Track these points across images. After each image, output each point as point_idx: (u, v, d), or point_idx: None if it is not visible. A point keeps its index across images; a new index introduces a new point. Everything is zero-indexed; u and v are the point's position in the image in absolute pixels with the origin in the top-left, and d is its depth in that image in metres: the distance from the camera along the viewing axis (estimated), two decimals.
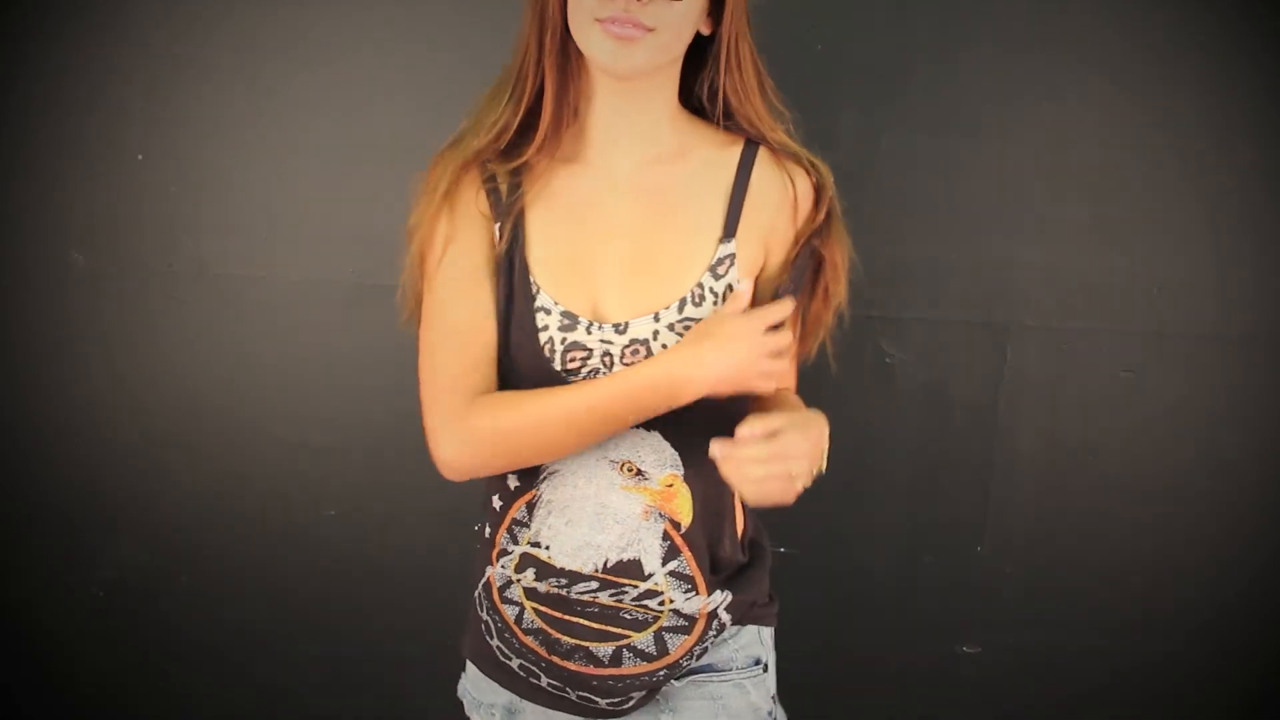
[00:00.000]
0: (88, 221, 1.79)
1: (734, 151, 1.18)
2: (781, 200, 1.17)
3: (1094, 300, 1.72)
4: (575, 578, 1.17)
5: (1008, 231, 1.71)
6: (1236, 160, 1.68)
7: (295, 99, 1.74)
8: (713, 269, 1.14)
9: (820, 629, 1.83)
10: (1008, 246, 1.71)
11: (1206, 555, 1.79)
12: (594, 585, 1.17)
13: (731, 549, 1.23)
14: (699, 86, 1.18)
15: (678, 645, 1.19)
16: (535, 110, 1.13)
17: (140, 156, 1.76)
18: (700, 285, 1.14)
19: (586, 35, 1.07)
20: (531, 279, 1.14)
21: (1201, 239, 1.70)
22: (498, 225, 1.15)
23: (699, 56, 1.16)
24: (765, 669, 1.27)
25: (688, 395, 1.08)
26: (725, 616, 1.21)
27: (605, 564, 1.16)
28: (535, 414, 1.10)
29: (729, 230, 1.15)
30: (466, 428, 1.12)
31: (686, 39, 1.11)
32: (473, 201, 1.15)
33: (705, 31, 1.13)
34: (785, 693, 1.92)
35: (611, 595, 1.17)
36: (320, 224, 1.77)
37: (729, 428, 1.11)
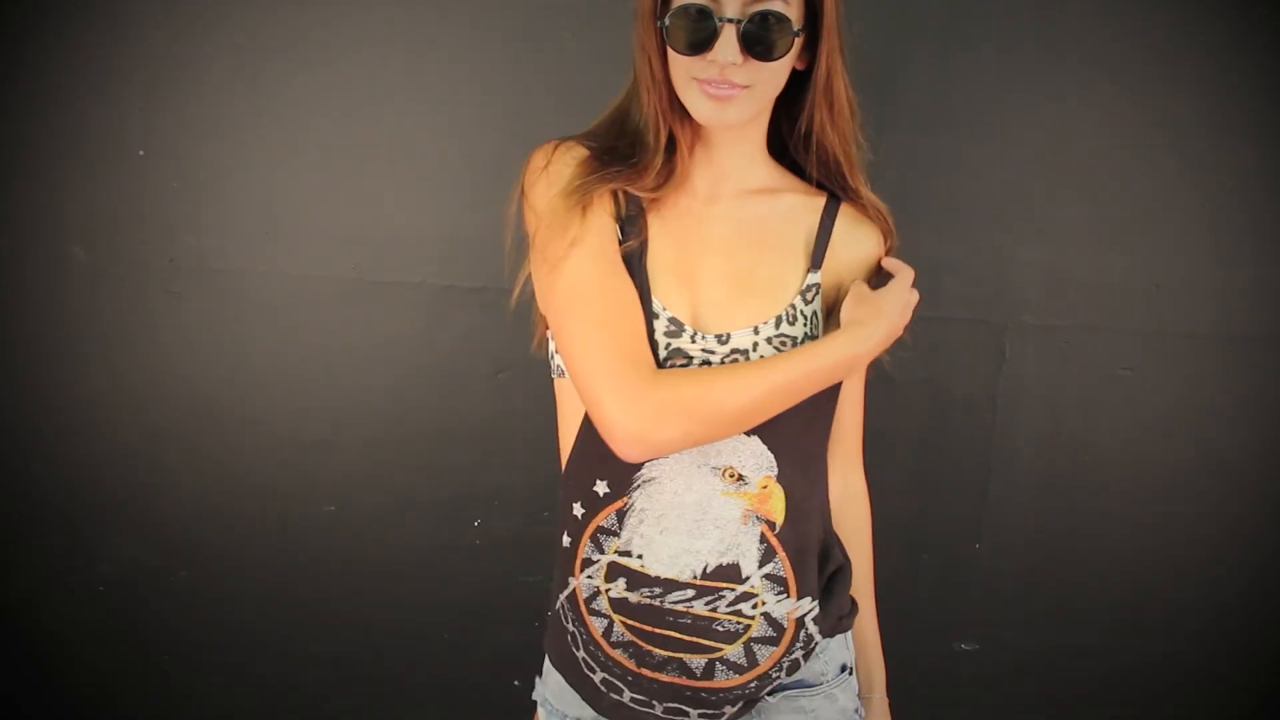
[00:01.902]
0: (88, 217, 1.79)
1: (819, 200, 1.27)
2: (857, 254, 1.27)
3: (1092, 299, 1.72)
4: (671, 586, 1.17)
5: (1007, 230, 1.71)
6: (1236, 160, 1.68)
7: (295, 96, 1.75)
8: (803, 294, 1.22)
9: None
10: (1007, 245, 1.72)
11: (1205, 554, 1.79)
12: (690, 594, 1.17)
13: (828, 538, 1.28)
14: (795, 122, 1.25)
15: (766, 657, 1.20)
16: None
17: (141, 153, 1.77)
18: (793, 306, 1.21)
19: (687, 93, 1.15)
20: (649, 283, 1.18)
21: (1201, 238, 1.71)
22: (619, 226, 1.19)
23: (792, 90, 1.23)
24: (850, 672, 1.32)
25: (862, 365, 1.23)
26: (813, 628, 1.23)
27: (705, 569, 1.17)
28: (722, 384, 1.11)
29: (815, 263, 1.24)
30: (654, 399, 1.08)
31: (781, 85, 1.18)
32: (602, 201, 1.19)
33: (800, 67, 1.20)
34: None
35: (707, 604, 1.18)
36: (320, 220, 1.78)
37: (816, 427, 1.23)
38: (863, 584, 1.38)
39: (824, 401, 1.22)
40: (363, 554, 1.87)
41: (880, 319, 1.19)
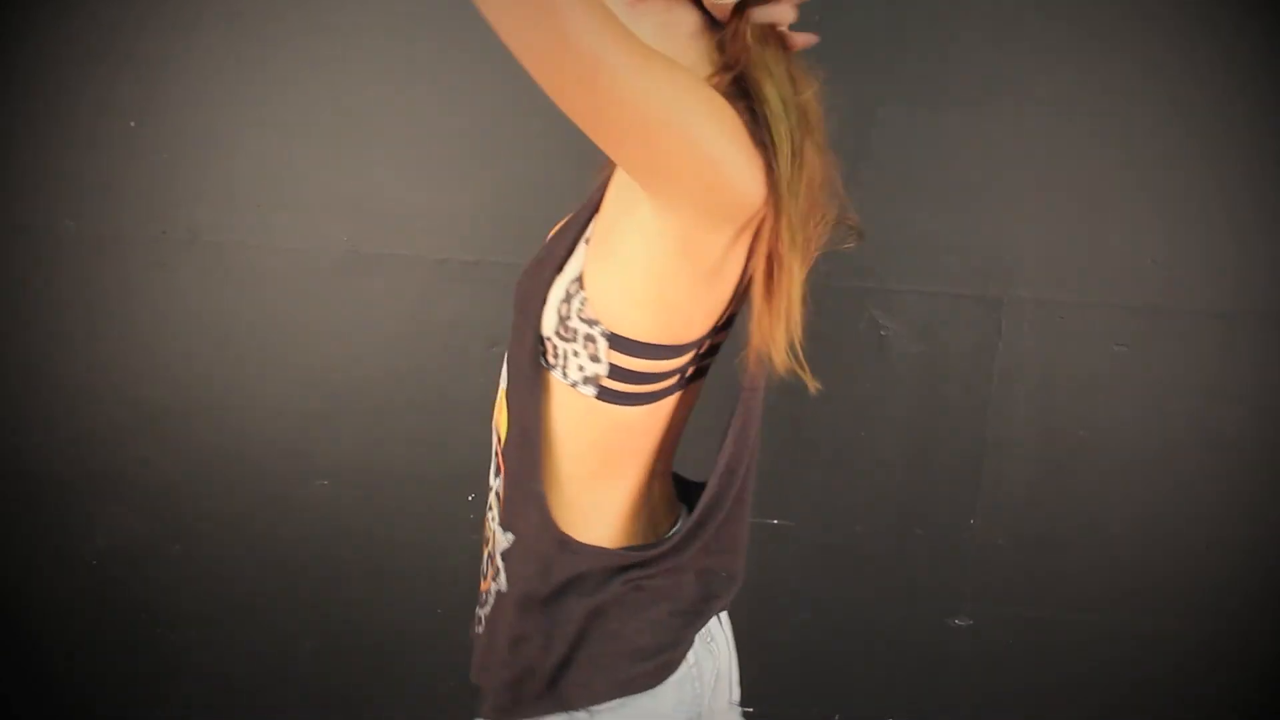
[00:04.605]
0: (79, 189, 1.78)
1: None
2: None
3: (1089, 274, 1.72)
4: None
5: (1003, 204, 1.70)
6: (1235, 134, 1.67)
7: (289, 65, 1.73)
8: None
9: (812, 601, 1.84)
10: (1003, 219, 1.71)
11: (1199, 531, 1.79)
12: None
13: (541, 522, 1.02)
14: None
15: (487, 575, 1.12)
16: None
17: (133, 123, 1.75)
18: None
19: None
20: None
21: (1199, 214, 1.70)
22: None
23: None
24: None
25: None
26: (503, 580, 1.07)
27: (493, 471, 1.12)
28: None
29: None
30: None
31: None
32: None
33: None
34: (777, 664, 1.93)
35: (487, 506, 1.13)
36: (313, 192, 1.76)
37: (525, 345, 1.00)
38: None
39: (531, 320, 0.99)
40: (356, 528, 1.87)
41: None
